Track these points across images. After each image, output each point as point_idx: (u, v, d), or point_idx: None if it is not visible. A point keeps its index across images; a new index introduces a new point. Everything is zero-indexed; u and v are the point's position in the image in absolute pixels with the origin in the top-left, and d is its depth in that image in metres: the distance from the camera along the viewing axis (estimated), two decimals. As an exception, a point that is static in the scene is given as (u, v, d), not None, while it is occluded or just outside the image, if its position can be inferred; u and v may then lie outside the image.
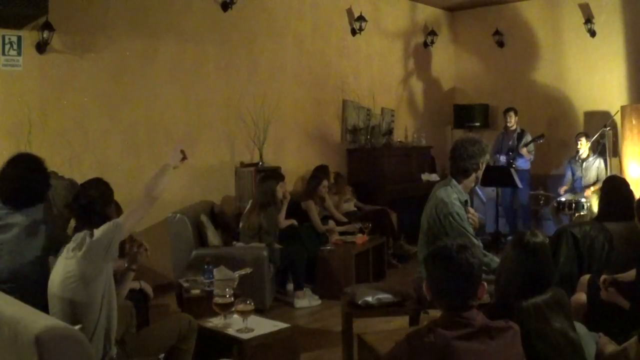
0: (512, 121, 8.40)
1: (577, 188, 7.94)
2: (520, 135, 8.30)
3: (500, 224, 8.15)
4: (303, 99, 7.78)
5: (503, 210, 8.32)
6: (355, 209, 7.39)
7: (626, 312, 3.23)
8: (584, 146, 7.88)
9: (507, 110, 8.50)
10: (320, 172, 6.89)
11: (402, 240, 7.59)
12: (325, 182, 6.74)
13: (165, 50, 6.35)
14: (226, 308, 3.51)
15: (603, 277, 3.42)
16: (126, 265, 3.41)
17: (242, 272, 4.68)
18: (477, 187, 8.62)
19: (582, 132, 8.13)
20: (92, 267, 2.87)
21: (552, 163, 9.07)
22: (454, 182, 3.80)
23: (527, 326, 2.36)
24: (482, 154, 3.79)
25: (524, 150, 8.17)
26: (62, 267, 2.93)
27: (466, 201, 3.83)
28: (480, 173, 3.84)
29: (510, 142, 8.33)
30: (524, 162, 8.25)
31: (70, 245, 2.96)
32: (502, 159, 8.26)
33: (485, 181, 7.41)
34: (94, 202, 3.08)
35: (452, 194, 3.73)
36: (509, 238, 8.02)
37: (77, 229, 3.07)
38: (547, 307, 2.46)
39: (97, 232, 2.93)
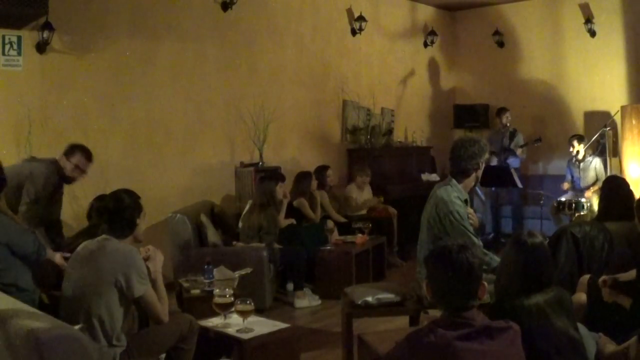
0: (509, 120, 8.42)
1: (576, 189, 7.92)
2: (513, 135, 8.29)
3: (500, 224, 8.15)
4: (303, 99, 7.77)
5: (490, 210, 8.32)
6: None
7: (626, 312, 3.23)
8: (576, 149, 7.81)
9: (503, 110, 8.47)
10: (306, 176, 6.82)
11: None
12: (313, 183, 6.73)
13: (165, 50, 6.35)
14: (226, 308, 3.50)
15: (603, 277, 3.42)
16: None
17: (242, 272, 4.68)
18: (477, 187, 8.61)
19: (575, 135, 7.97)
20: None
21: (551, 163, 9.07)
22: (454, 181, 3.80)
23: (529, 325, 2.37)
24: (481, 153, 3.79)
25: (518, 151, 8.18)
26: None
27: (466, 200, 3.83)
28: (480, 172, 3.85)
29: (502, 141, 8.31)
30: (515, 162, 8.23)
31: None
32: (494, 160, 8.21)
33: (485, 181, 7.42)
34: (125, 207, 3.13)
35: (452, 192, 3.73)
36: (492, 235, 8.06)
37: (95, 228, 3.10)
38: (549, 307, 2.46)
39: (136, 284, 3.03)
